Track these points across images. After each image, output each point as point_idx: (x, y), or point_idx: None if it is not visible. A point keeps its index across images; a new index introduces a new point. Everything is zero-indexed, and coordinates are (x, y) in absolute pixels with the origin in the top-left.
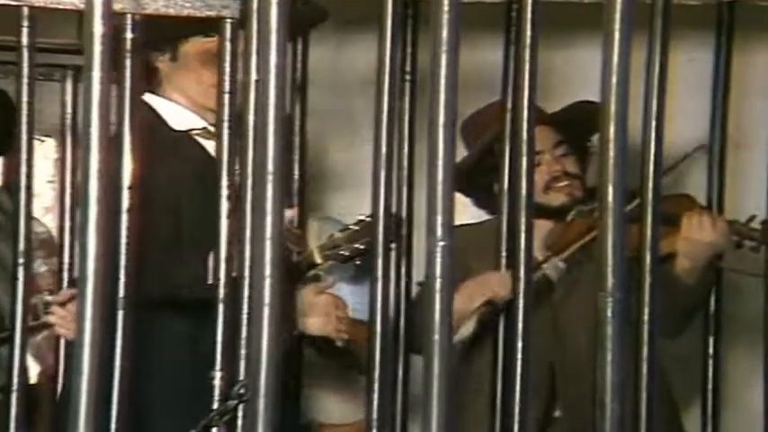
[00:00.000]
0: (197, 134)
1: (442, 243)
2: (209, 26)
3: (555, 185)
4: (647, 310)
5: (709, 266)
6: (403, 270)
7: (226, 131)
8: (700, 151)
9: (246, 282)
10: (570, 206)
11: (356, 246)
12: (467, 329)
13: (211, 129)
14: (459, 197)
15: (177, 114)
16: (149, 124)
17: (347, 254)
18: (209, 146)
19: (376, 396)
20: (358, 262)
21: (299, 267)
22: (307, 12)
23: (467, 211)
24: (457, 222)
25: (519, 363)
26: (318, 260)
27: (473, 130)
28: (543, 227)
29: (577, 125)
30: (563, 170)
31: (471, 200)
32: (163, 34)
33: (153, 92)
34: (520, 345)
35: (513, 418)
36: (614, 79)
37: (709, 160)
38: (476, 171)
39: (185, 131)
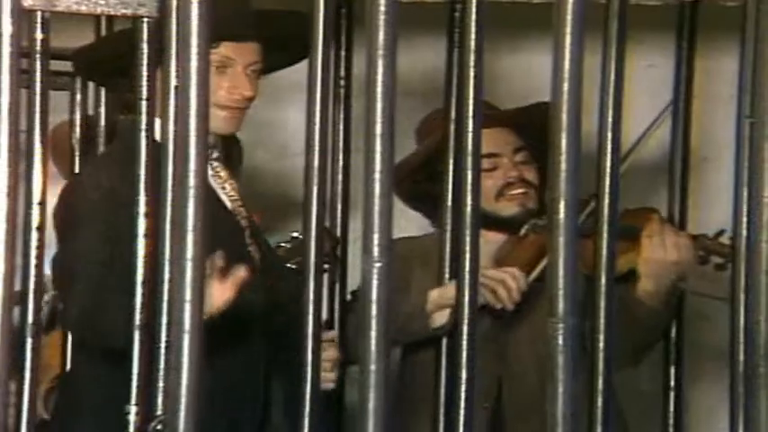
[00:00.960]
0: None
1: (378, 264)
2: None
3: (508, 192)
4: (602, 337)
5: (673, 288)
6: (337, 293)
7: (143, 142)
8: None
9: (164, 306)
10: (522, 218)
11: (287, 266)
12: (442, 317)
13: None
14: (406, 210)
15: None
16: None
17: None
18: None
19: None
20: None
21: None
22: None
23: (413, 226)
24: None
25: (463, 386)
26: None
27: (424, 131)
28: (492, 239)
29: (543, 130)
30: (520, 177)
31: (417, 210)
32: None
33: None
34: (464, 376)
35: None
36: (566, 86)
37: (670, 175)
38: (422, 176)
39: None
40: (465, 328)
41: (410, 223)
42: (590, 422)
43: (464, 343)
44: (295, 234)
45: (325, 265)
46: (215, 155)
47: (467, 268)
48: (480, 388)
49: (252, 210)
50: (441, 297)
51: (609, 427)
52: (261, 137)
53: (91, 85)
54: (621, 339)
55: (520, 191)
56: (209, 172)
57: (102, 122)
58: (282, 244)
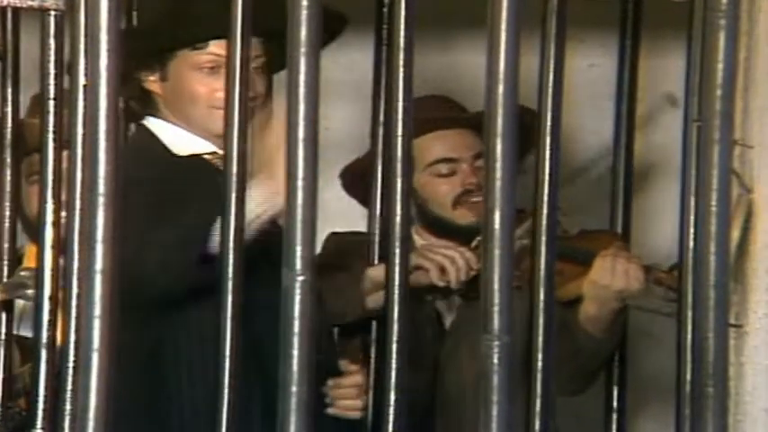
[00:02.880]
0: (210, 159)
1: (301, 278)
2: (194, 37)
3: (466, 200)
4: (540, 356)
5: (616, 317)
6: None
7: (51, 145)
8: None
9: (73, 324)
10: (479, 229)
11: None
12: (378, 298)
13: (221, 152)
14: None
15: (179, 138)
16: (147, 150)
17: None
18: None
19: None
20: None
21: None
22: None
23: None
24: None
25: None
26: None
27: None
28: None
29: None
30: (479, 184)
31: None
32: (145, 50)
33: (153, 115)
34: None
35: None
36: (501, 88)
37: (613, 182)
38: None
39: (194, 156)
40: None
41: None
42: None
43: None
44: None
45: None
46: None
47: (396, 284)
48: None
49: None
50: (379, 276)
51: None
52: None
53: None
54: (560, 366)
55: (479, 199)
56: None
57: (9, 125)
58: None
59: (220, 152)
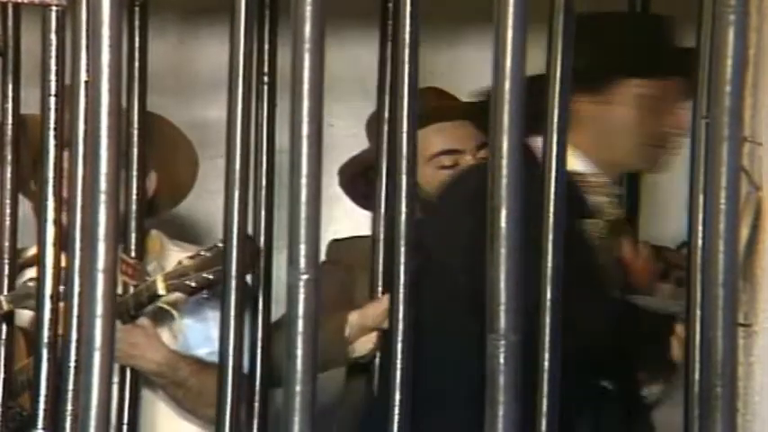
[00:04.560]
0: (586, 183)
1: (305, 276)
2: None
3: None
4: (547, 356)
5: None
6: (260, 307)
7: (51, 141)
8: None
9: (74, 322)
10: None
11: (205, 275)
12: (363, 347)
13: (606, 181)
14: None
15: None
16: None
17: (194, 284)
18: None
19: None
20: (205, 295)
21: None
22: None
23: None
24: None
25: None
26: (161, 291)
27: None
28: None
29: None
30: None
31: (369, 210)
32: (598, 71)
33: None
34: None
35: None
36: (507, 85)
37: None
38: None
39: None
40: (399, 347)
41: (360, 225)
42: None
43: (398, 363)
44: (219, 243)
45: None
46: None
47: (401, 281)
48: None
49: None
50: (363, 318)
51: None
52: None
53: None
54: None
55: None
56: None
57: (10, 122)
58: (202, 252)
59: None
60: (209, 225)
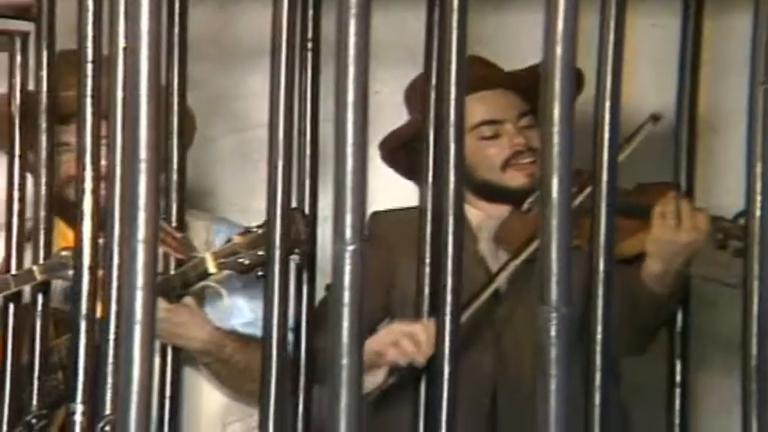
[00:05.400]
0: None
1: (351, 248)
2: None
3: (515, 162)
4: (599, 328)
5: (680, 274)
6: (305, 280)
7: (89, 110)
8: (653, 123)
9: (114, 295)
10: (530, 190)
11: (259, 253)
12: (375, 379)
13: None
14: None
15: None
16: None
17: (248, 262)
18: None
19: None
20: (261, 272)
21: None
22: None
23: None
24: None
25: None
26: (212, 269)
27: (414, 96)
28: (495, 213)
29: None
30: (527, 145)
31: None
32: None
33: None
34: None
35: None
36: (559, 49)
37: (676, 149)
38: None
39: None
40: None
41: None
42: (586, 421)
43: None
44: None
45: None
46: None
47: (449, 254)
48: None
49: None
50: (379, 347)
51: (607, 423)
52: (216, 106)
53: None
54: (621, 326)
55: (528, 160)
56: None
57: (45, 90)
58: (253, 229)
59: None
60: (251, 196)
